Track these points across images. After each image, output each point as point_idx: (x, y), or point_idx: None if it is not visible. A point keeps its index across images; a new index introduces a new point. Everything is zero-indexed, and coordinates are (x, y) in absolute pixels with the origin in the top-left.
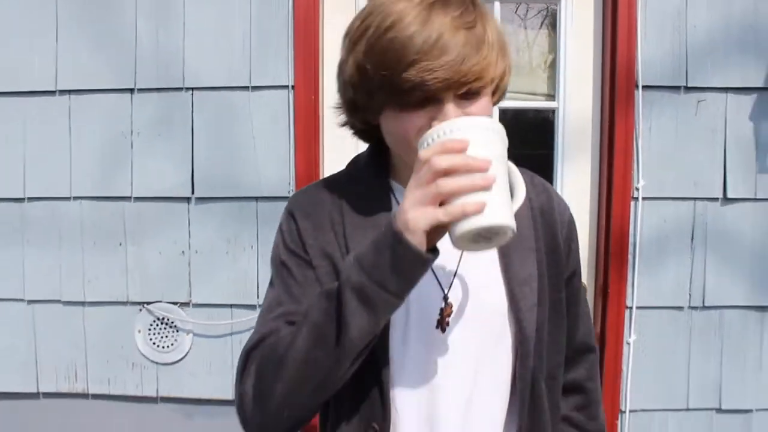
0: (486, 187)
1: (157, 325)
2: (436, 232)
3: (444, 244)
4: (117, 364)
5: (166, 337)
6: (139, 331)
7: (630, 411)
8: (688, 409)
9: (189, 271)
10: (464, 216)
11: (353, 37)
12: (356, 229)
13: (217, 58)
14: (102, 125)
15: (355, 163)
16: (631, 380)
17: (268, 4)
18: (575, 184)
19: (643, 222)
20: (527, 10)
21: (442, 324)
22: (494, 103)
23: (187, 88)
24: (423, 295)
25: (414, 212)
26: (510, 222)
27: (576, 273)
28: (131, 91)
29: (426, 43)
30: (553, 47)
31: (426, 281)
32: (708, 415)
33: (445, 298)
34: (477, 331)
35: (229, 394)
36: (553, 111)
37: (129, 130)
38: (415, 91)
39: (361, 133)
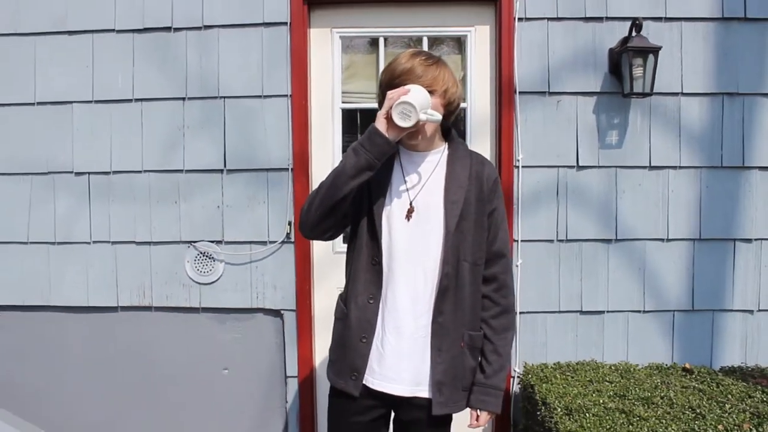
0: (404, 94)
1: (200, 257)
2: (393, 129)
3: (415, 185)
4: (172, 285)
5: (206, 265)
6: (188, 262)
7: (520, 312)
8: (560, 312)
9: (222, 219)
10: (394, 101)
11: (381, 73)
12: None
13: (241, 76)
14: (163, 122)
15: None
16: (520, 291)
17: (274, 41)
18: None
19: (523, 183)
20: (443, 42)
21: (408, 216)
22: (448, 111)
23: (221, 97)
24: (400, 200)
25: (379, 112)
26: (412, 101)
27: (496, 209)
28: (183, 99)
29: (405, 69)
30: (463, 66)
31: (403, 195)
32: (574, 316)
33: (411, 203)
34: (426, 223)
35: (249, 304)
36: (464, 109)
37: (182, 125)
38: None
39: None
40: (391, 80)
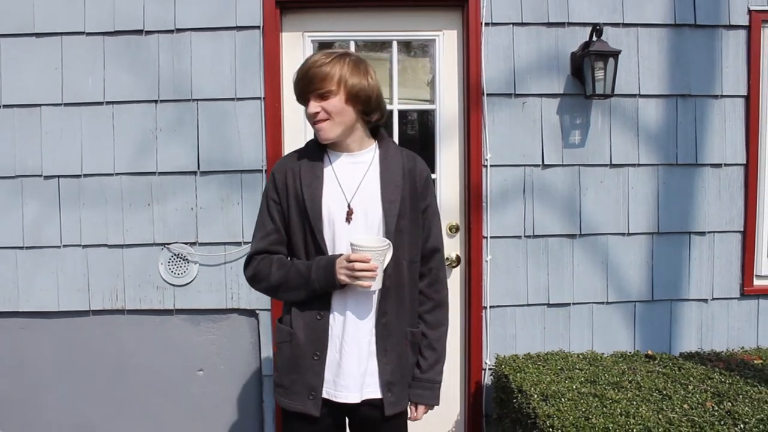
0: (372, 278)
1: (174, 259)
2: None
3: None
4: (146, 288)
5: (180, 267)
6: (161, 264)
7: (490, 306)
8: (528, 305)
9: (196, 222)
10: (361, 286)
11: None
12: (306, 172)
13: (214, 79)
14: (135, 125)
15: (308, 142)
16: (490, 286)
17: (247, 43)
18: (449, 157)
19: (491, 181)
20: (413, 46)
21: (348, 219)
22: (365, 106)
23: (194, 99)
24: (338, 204)
25: (342, 276)
26: (378, 286)
27: (429, 206)
28: (156, 101)
29: (303, 72)
30: (432, 69)
31: (340, 198)
32: (541, 308)
33: (349, 205)
34: (365, 224)
35: (224, 304)
36: (433, 111)
37: (154, 127)
38: (301, 95)
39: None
40: (295, 82)
